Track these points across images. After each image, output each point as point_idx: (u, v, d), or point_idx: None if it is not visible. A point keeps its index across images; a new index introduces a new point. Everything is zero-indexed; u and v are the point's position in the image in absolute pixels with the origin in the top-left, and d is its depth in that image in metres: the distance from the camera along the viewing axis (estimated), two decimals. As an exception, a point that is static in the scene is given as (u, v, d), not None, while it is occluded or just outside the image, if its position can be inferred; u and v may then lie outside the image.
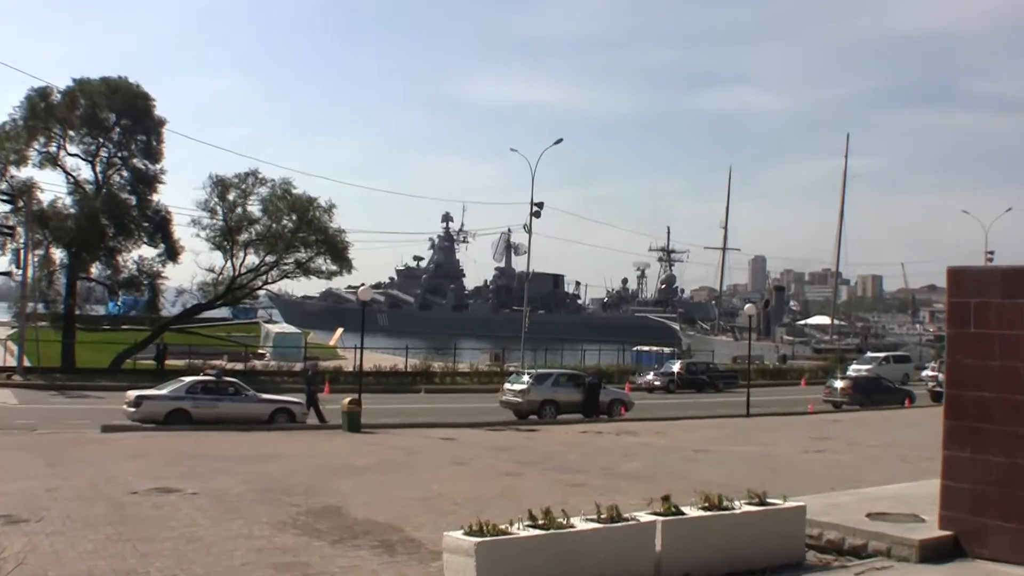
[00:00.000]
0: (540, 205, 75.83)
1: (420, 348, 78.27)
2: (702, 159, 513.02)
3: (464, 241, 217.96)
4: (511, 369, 60.08)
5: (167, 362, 59.10)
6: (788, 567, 12.85)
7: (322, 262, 61.40)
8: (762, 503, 13.33)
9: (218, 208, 60.14)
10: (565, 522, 11.57)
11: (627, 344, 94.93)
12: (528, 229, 78.06)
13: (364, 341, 44.11)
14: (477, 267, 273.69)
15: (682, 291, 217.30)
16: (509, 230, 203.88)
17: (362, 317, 43.56)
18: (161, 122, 59.64)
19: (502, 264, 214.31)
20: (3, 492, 19.85)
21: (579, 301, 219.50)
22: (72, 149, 58.93)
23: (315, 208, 60.48)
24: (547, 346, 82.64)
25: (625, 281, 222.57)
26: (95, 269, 60.55)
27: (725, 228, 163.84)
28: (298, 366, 58.88)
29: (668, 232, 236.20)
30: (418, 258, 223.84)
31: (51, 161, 58.30)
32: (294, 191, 60.66)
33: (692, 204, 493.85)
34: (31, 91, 57.54)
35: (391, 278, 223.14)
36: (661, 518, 12.27)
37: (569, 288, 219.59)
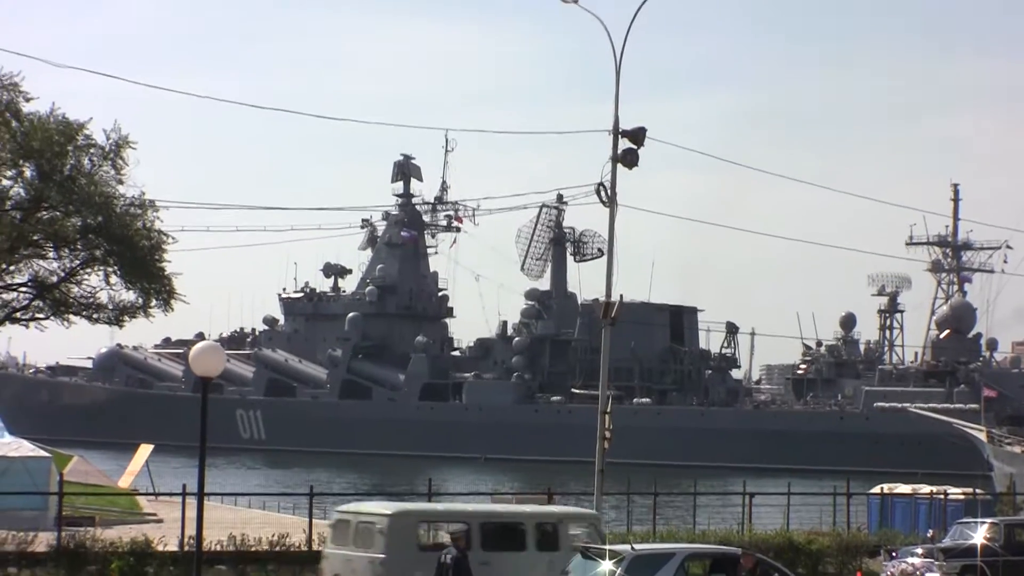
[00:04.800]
0: (637, 137, 32.74)
1: (347, 492, 52.43)
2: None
3: (451, 227, 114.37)
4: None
5: None
6: None
7: (99, 283, 30.15)
8: None
9: None
10: None
11: (855, 475, 49.34)
12: (607, 196, 29.90)
13: (207, 479, 19.39)
14: (482, 289, 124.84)
15: (992, 346, 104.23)
16: (561, 199, 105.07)
17: (202, 417, 19.15)
18: None
19: (544, 281, 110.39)
20: None
21: (735, 370, 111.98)
22: None
23: (83, 149, 29.93)
24: (660, 481, 40.42)
25: (849, 322, 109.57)
26: None
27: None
28: (42, 537, 26.84)
29: (954, 196, 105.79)
30: (335, 271, 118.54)
31: None
32: (25, 105, 29.11)
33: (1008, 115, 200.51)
34: None
35: (270, 320, 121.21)
36: None
37: (710, 338, 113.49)
